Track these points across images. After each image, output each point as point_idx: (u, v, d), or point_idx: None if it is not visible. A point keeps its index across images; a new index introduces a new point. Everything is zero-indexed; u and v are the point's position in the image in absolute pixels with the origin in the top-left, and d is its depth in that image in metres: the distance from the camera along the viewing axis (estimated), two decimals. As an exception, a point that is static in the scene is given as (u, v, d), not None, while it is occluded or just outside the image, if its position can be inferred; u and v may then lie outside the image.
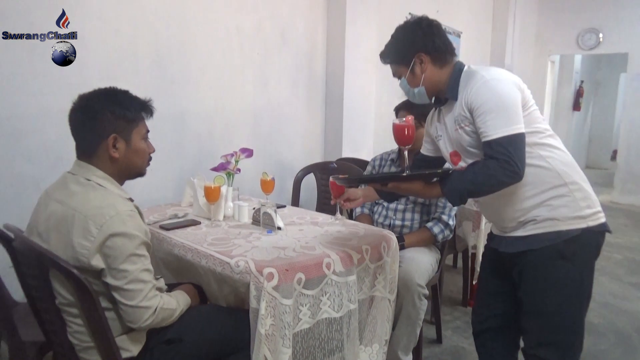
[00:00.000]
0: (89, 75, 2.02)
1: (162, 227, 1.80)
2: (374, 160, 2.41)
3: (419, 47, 1.41)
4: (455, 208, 2.19)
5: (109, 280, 1.15)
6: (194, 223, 1.88)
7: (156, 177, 2.01)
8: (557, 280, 1.37)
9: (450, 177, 1.37)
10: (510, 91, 1.29)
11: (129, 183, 1.34)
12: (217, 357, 1.38)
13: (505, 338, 1.60)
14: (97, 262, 1.14)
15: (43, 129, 1.92)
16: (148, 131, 1.35)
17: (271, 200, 2.09)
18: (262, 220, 1.82)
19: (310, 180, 2.94)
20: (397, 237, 1.81)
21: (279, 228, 1.79)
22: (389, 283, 1.72)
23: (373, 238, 1.72)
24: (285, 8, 2.95)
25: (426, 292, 1.96)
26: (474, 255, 2.60)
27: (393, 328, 1.86)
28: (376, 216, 2.28)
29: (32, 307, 1.29)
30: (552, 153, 1.36)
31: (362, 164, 2.83)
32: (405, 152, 1.46)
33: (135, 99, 1.31)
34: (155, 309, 1.20)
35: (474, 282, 2.70)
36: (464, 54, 4.99)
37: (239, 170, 2.17)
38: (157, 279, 1.31)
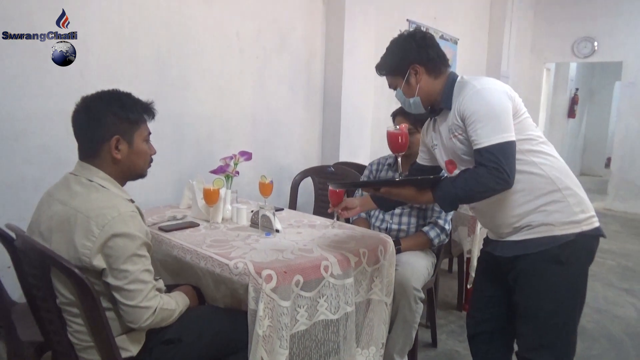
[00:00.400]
0: (89, 77, 2.04)
1: (160, 229, 1.81)
2: (371, 165, 2.44)
3: (414, 59, 1.45)
4: (452, 213, 2.22)
5: (110, 280, 1.17)
6: (193, 225, 1.89)
7: (155, 179, 2.02)
8: (552, 284, 1.39)
9: (441, 184, 1.40)
10: (501, 100, 1.32)
11: (128, 184, 1.36)
12: (215, 357, 1.39)
13: (500, 341, 1.62)
14: (99, 262, 1.15)
15: (43, 130, 1.93)
16: (150, 133, 1.37)
17: (269, 203, 2.11)
18: (260, 223, 1.84)
19: (307, 184, 2.96)
20: (393, 241, 1.83)
21: (277, 231, 1.81)
22: (385, 286, 1.74)
23: (370, 241, 1.74)
24: (284, 14, 2.97)
25: (422, 295, 1.98)
26: (469, 260, 2.62)
27: (389, 331, 1.87)
28: (373, 220, 2.30)
29: (31, 307, 1.30)
30: (545, 160, 1.38)
31: (359, 168, 2.86)
32: (399, 159, 1.49)
33: (137, 101, 1.32)
34: (155, 310, 1.21)
35: (468, 287, 2.73)
36: (460, 60, 5.04)
37: (237, 173, 2.18)
38: (156, 279, 1.32)
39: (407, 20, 3.96)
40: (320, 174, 2.92)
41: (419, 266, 2.05)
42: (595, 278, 3.58)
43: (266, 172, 2.27)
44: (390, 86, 1.55)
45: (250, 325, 1.36)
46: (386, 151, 2.45)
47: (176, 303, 1.32)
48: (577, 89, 8.83)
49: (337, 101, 3.25)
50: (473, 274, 2.58)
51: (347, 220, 2.39)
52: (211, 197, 1.85)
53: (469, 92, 1.34)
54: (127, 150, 1.29)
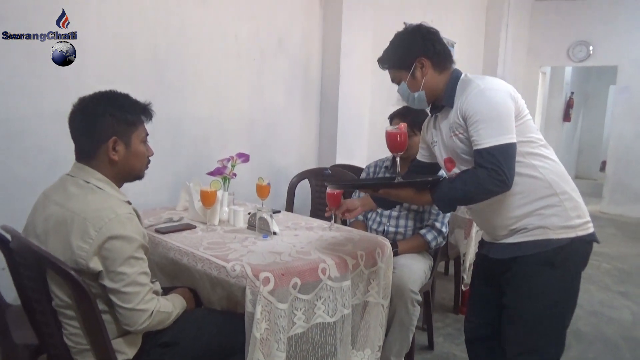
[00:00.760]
0: (86, 77, 2.02)
1: (157, 231, 1.80)
2: (368, 167, 2.44)
3: (420, 52, 1.43)
4: (448, 215, 2.22)
5: (107, 282, 1.16)
6: (190, 227, 1.89)
7: (151, 181, 2.01)
8: (545, 287, 1.39)
9: (440, 185, 1.39)
10: (505, 101, 1.31)
11: (124, 186, 1.35)
12: (211, 360, 1.38)
13: (497, 346, 1.61)
14: (95, 264, 1.14)
15: (38, 131, 1.91)
16: (147, 134, 1.36)
17: (266, 206, 2.10)
18: (257, 225, 1.83)
19: (304, 186, 2.95)
20: (390, 243, 1.83)
21: (275, 233, 1.80)
22: (382, 289, 1.74)
23: (368, 244, 1.74)
24: (282, 16, 2.98)
25: (419, 298, 1.98)
26: (463, 262, 2.63)
27: (386, 334, 1.87)
28: (370, 222, 2.30)
29: (26, 310, 1.29)
30: (545, 163, 1.38)
31: (356, 170, 2.86)
32: (398, 159, 1.48)
33: (135, 103, 1.32)
34: (152, 312, 1.21)
35: (463, 289, 2.73)
36: (457, 64, 5.04)
37: (234, 175, 2.18)
38: (152, 282, 1.31)
39: (404, 23, 3.96)
40: (317, 177, 2.92)
41: (416, 269, 2.05)
42: (590, 281, 3.59)
43: (263, 174, 2.26)
44: (393, 80, 1.52)
45: (248, 327, 1.35)
46: (383, 154, 2.46)
47: (173, 305, 1.32)
48: (572, 93, 8.89)
49: (334, 104, 3.25)
50: (465, 276, 2.59)
51: (345, 223, 2.39)
52: (208, 199, 1.84)
53: (473, 91, 1.33)
54: (125, 152, 1.28)
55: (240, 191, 2.50)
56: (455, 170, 1.45)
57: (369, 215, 2.33)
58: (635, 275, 3.83)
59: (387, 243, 1.78)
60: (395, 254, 2.05)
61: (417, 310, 1.98)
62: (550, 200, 1.36)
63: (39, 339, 1.30)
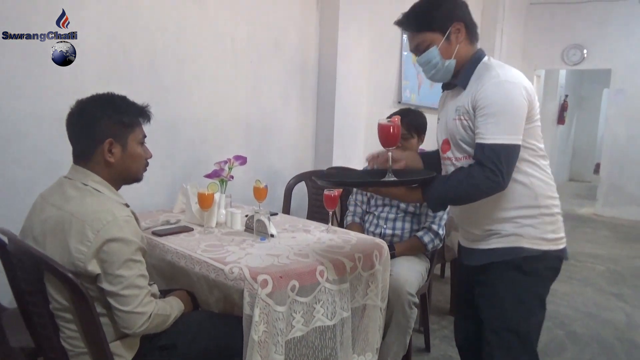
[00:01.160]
0: (83, 79, 2.02)
1: (154, 233, 1.80)
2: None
3: (458, 16, 1.33)
4: (445, 218, 2.23)
5: (105, 285, 1.15)
6: (187, 229, 1.88)
7: (148, 183, 2.00)
8: (514, 292, 1.36)
9: (432, 183, 1.33)
10: (521, 99, 1.25)
11: (121, 188, 1.34)
12: (209, 363, 1.38)
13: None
14: (93, 267, 1.13)
15: (35, 133, 1.91)
16: (145, 136, 1.36)
17: (264, 208, 2.10)
18: (255, 228, 1.83)
19: (301, 189, 2.95)
20: (387, 245, 1.83)
21: (272, 235, 1.80)
22: (380, 291, 1.74)
23: (365, 246, 1.74)
24: (278, 18, 2.98)
25: (416, 300, 1.98)
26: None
27: (383, 336, 1.87)
28: (367, 225, 2.31)
29: (22, 313, 1.28)
30: (538, 173, 1.35)
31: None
32: (390, 154, 1.39)
33: (132, 104, 1.31)
34: (150, 315, 1.20)
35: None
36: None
37: (232, 177, 2.18)
38: (150, 285, 1.31)
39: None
40: (314, 180, 2.92)
41: (413, 271, 2.06)
42: (585, 283, 3.62)
43: (260, 177, 2.26)
44: (417, 46, 1.38)
45: (246, 330, 1.35)
46: (380, 156, 2.46)
47: (171, 308, 1.31)
48: (566, 96, 8.95)
49: (331, 106, 3.26)
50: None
51: (341, 225, 2.39)
52: (206, 202, 1.84)
53: (492, 80, 1.26)
54: (121, 154, 1.28)
55: (237, 193, 2.50)
56: (449, 154, 1.41)
57: (366, 218, 2.34)
58: (629, 277, 3.86)
59: (385, 245, 1.79)
60: (393, 256, 2.05)
61: (414, 313, 1.98)
62: (530, 211, 1.34)
63: (36, 342, 1.29)
